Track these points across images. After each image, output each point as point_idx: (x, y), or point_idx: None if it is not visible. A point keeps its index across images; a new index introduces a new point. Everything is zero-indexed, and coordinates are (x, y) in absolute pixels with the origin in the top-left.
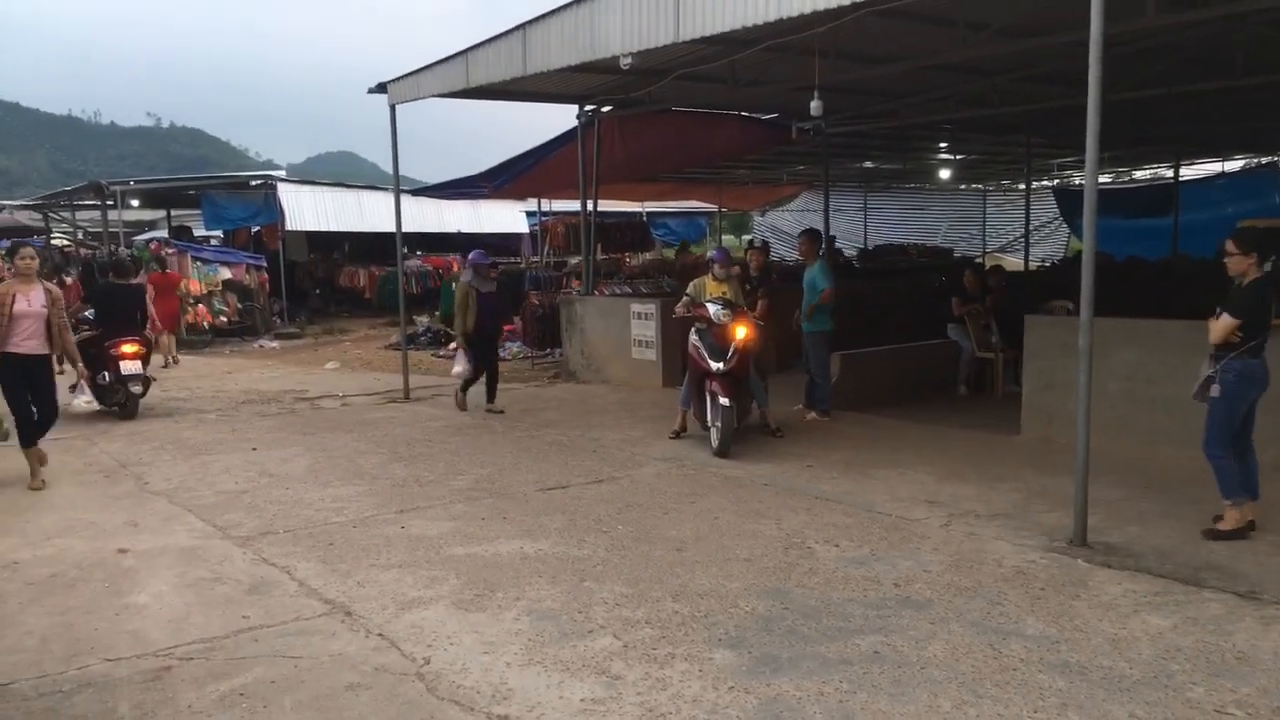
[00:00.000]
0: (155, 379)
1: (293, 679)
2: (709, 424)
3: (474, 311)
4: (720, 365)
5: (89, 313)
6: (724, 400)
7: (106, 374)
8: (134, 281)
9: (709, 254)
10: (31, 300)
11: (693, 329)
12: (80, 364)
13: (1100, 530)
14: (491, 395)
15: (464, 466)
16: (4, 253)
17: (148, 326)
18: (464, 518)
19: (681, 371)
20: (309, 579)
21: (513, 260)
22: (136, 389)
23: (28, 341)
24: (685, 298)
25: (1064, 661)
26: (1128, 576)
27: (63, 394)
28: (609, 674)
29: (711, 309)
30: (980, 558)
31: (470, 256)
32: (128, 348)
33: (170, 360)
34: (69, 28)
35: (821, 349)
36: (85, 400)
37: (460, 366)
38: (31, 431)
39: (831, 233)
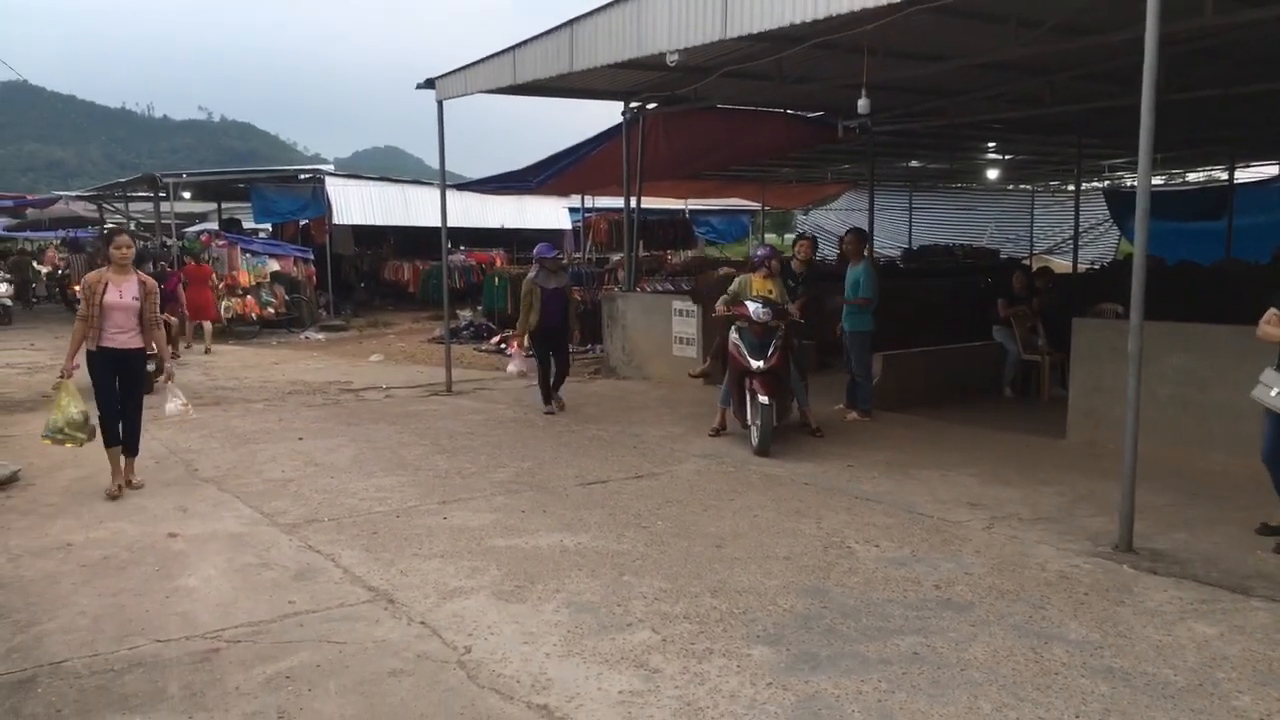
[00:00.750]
0: (179, 362)
1: (337, 664)
2: (749, 422)
3: (537, 309)
4: (760, 363)
5: None
6: (763, 398)
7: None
8: (160, 269)
9: (756, 252)
10: (124, 292)
11: (733, 327)
12: (169, 364)
13: (1146, 536)
14: (558, 385)
15: (505, 459)
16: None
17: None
18: (505, 510)
19: (722, 370)
20: (353, 567)
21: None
22: (149, 366)
23: (119, 335)
24: (727, 295)
25: (1107, 667)
26: (1174, 583)
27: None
28: (647, 667)
29: (752, 307)
30: (1023, 561)
31: (536, 250)
32: None
33: (207, 349)
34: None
35: (863, 349)
36: (180, 404)
37: (515, 366)
38: (116, 429)
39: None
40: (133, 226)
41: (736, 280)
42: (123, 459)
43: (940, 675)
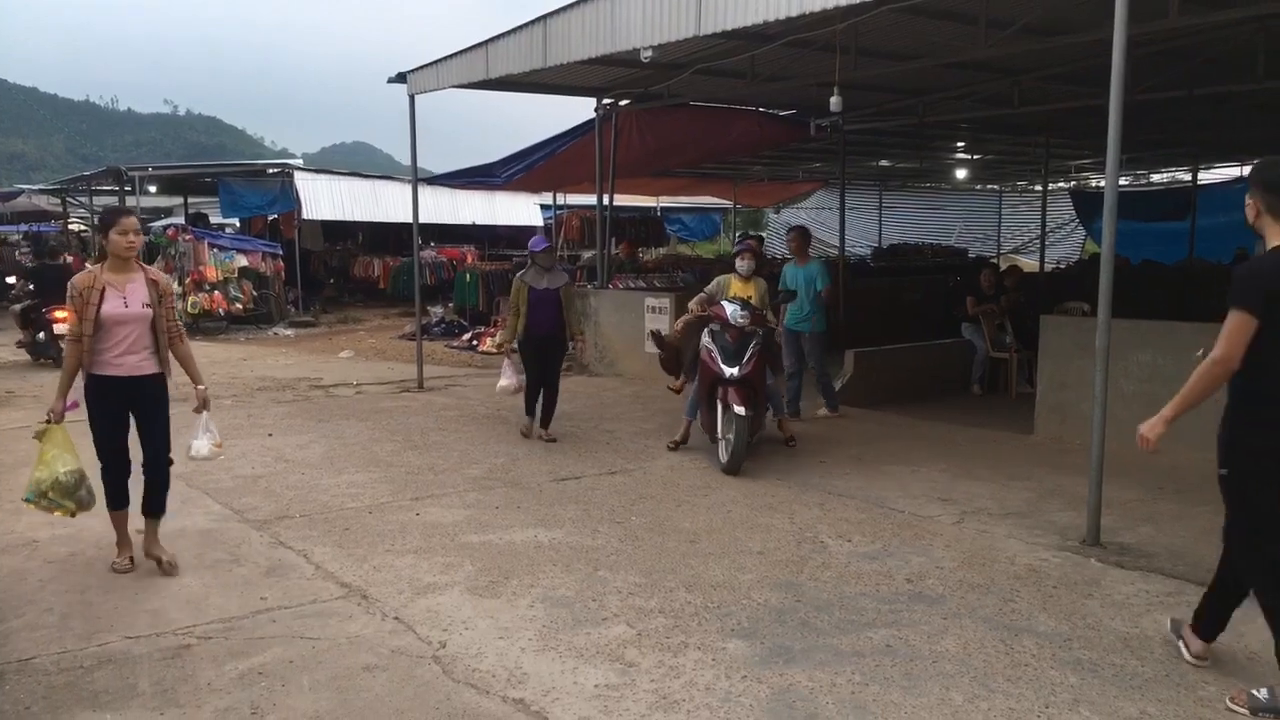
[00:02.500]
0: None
1: (310, 659)
2: (719, 436)
3: (524, 313)
4: (735, 370)
5: (30, 287)
6: (739, 409)
7: (44, 333)
8: (63, 261)
9: (734, 248)
10: (130, 297)
11: (705, 329)
12: (202, 387)
13: (1113, 530)
14: (546, 418)
15: (478, 456)
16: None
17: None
18: (478, 506)
19: (670, 370)
20: (325, 562)
21: (526, 253)
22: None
23: (127, 357)
24: (701, 294)
25: (1076, 658)
26: (1140, 576)
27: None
28: (623, 661)
29: (729, 309)
30: (993, 555)
31: (530, 243)
32: (59, 313)
33: None
34: (88, 13)
35: (823, 349)
36: (212, 443)
37: (507, 379)
38: (125, 487)
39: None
40: (97, 221)
41: (714, 281)
42: (143, 521)
43: (913, 667)
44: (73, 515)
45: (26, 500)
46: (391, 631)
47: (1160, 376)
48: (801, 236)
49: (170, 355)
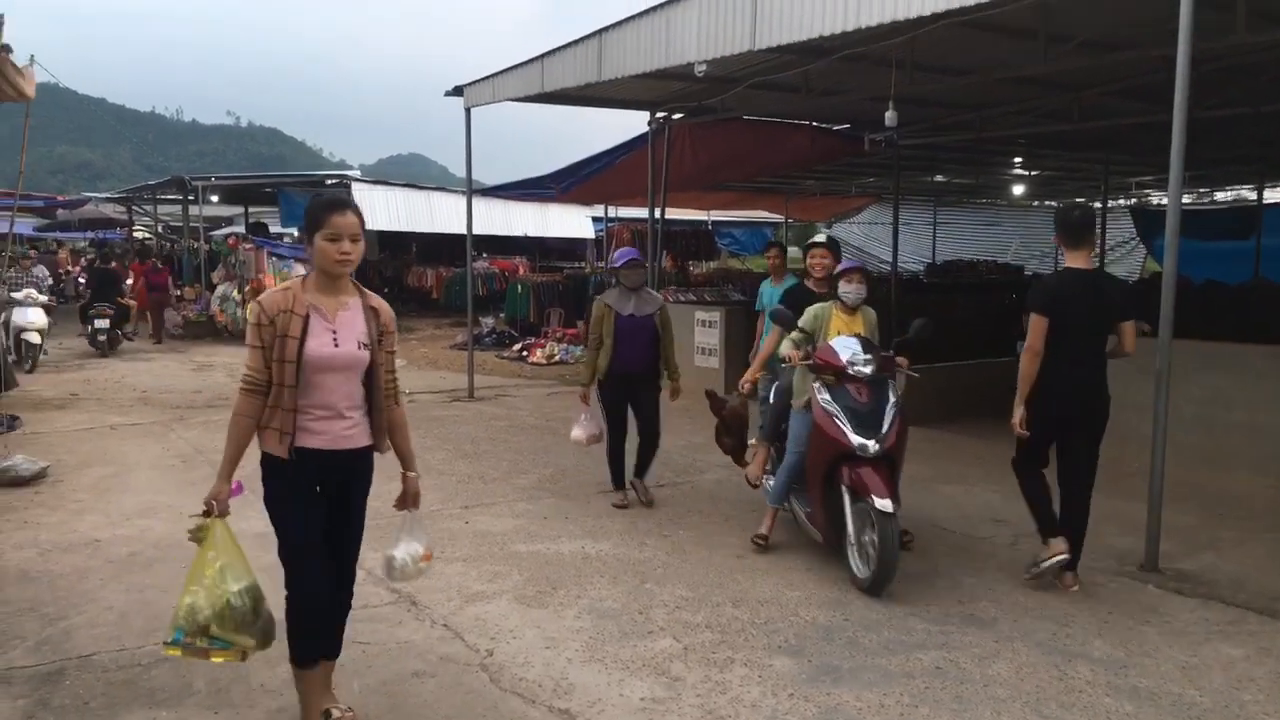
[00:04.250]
0: (129, 338)
1: (361, 663)
2: (848, 539)
3: (609, 348)
4: (873, 442)
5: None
6: (882, 502)
7: (90, 326)
8: (112, 266)
9: (808, 254)
10: (341, 331)
11: (813, 382)
12: (415, 473)
13: (1172, 556)
14: (642, 468)
15: (527, 466)
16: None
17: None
18: (527, 516)
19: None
20: (376, 569)
21: (578, 265)
22: (102, 338)
23: (332, 423)
24: (796, 334)
25: (1132, 686)
26: (1200, 604)
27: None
28: (669, 675)
29: (845, 351)
30: (1047, 579)
31: (614, 257)
32: (103, 310)
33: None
34: (156, 27)
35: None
36: (418, 550)
37: (582, 429)
38: (328, 620)
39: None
40: (160, 229)
41: (807, 312)
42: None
43: (963, 691)
44: (243, 658)
45: (170, 645)
46: (440, 638)
47: (1222, 399)
48: (781, 253)
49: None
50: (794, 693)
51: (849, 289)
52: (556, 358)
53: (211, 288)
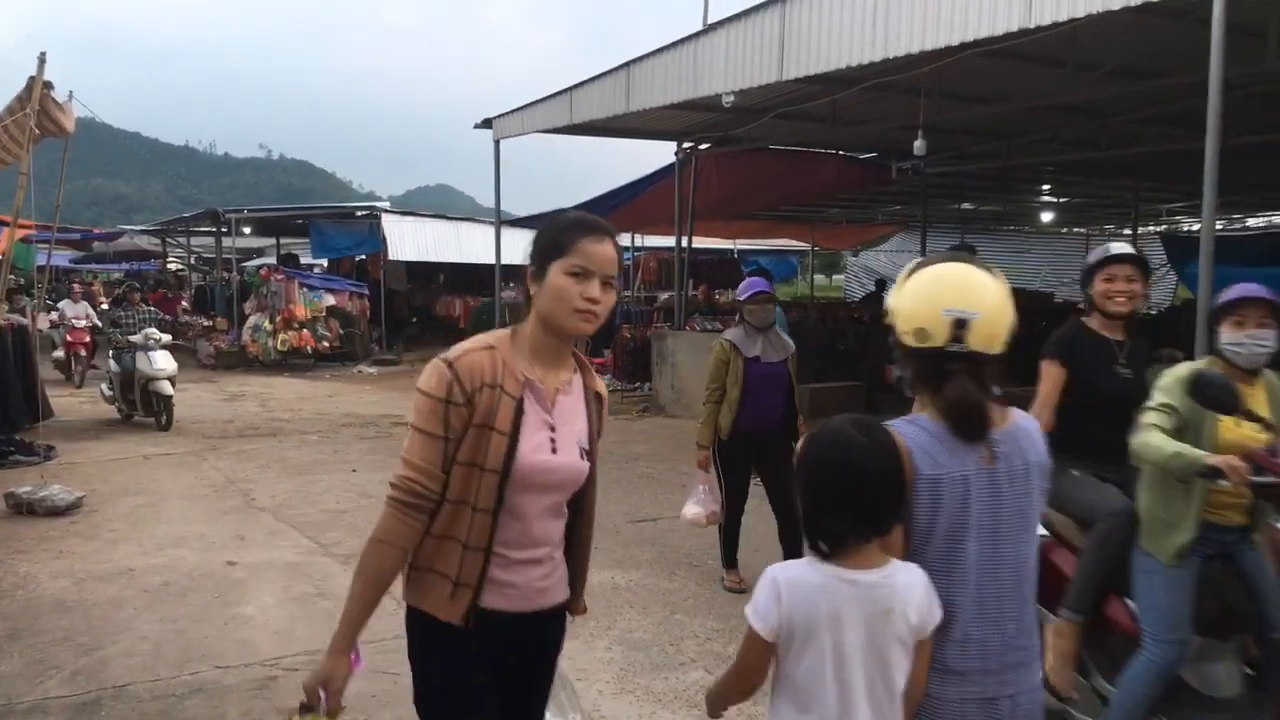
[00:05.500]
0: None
1: (392, 694)
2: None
3: (734, 401)
4: None
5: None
6: None
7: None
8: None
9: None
10: (561, 429)
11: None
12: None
13: None
14: (791, 549)
15: None
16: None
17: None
18: None
19: None
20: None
21: None
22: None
23: (531, 571)
24: (1240, 460)
25: None
26: None
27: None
28: (701, 708)
29: None
30: None
31: (739, 290)
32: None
33: None
34: (190, 62)
35: None
36: None
37: (698, 506)
38: None
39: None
40: (193, 260)
41: (1167, 400)
42: None
43: None
44: None
45: None
46: None
47: None
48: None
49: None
50: None
51: (1240, 339)
52: None
53: (244, 318)
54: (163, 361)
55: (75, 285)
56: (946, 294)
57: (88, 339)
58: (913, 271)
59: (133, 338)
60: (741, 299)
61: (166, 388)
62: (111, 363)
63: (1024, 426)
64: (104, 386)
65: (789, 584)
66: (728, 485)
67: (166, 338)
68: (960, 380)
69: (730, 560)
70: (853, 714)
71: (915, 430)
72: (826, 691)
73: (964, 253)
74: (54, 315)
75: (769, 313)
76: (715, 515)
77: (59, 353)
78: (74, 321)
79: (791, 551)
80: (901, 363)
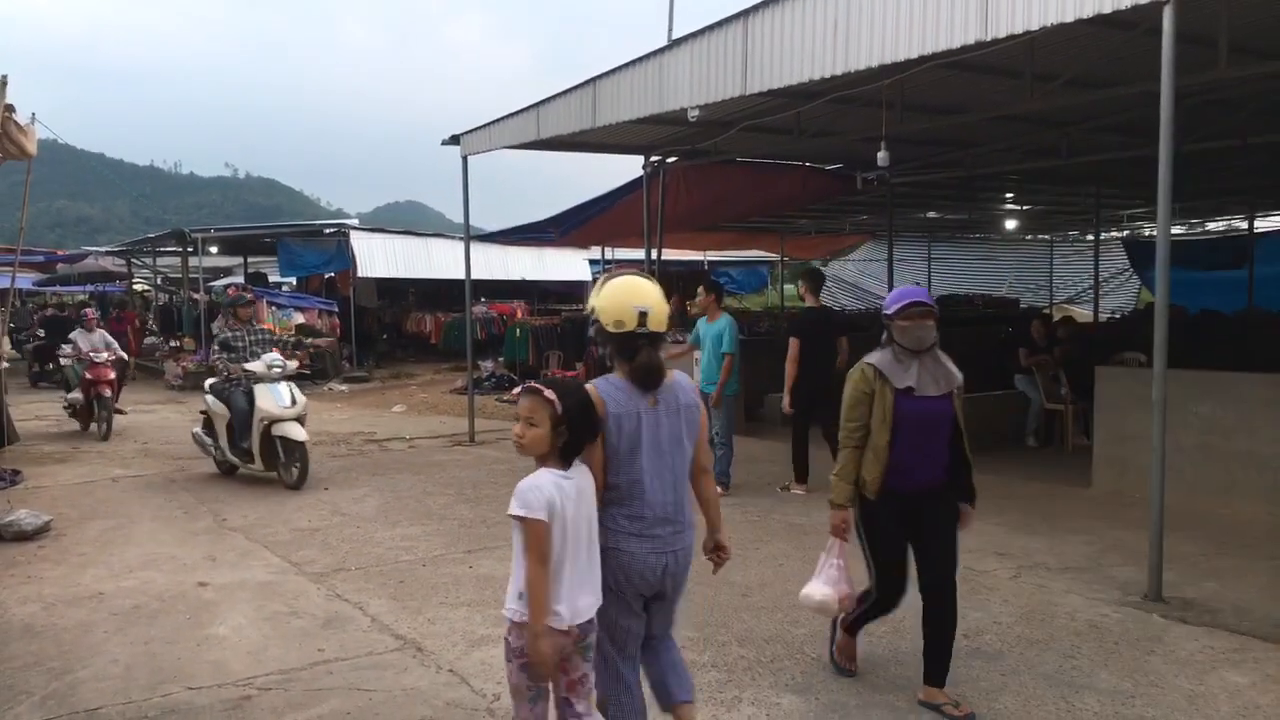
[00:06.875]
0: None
1: (367, 711)
2: None
3: (882, 449)
4: None
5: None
6: None
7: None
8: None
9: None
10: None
11: None
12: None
13: (1175, 585)
14: (942, 658)
15: None
16: (88, 295)
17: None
18: None
19: None
20: (381, 615)
21: (576, 308)
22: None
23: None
24: None
25: (1139, 716)
26: (1205, 633)
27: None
28: None
29: None
30: (1052, 611)
31: (887, 301)
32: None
33: None
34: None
35: (729, 414)
36: None
37: (828, 586)
38: None
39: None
40: (159, 281)
41: None
42: None
43: None
44: None
45: None
46: (446, 684)
47: (1220, 428)
48: (712, 291)
49: None
50: None
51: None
52: None
53: (211, 338)
54: (287, 396)
55: (88, 312)
56: (634, 295)
57: (111, 375)
58: (605, 282)
59: (251, 365)
60: (889, 313)
61: (298, 432)
62: (210, 399)
63: (680, 382)
64: (66, 395)
65: (532, 486)
66: (878, 559)
67: (293, 364)
68: (647, 351)
69: (845, 670)
70: (577, 554)
71: (606, 384)
72: (563, 549)
73: (814, 271)
74: (67, 348)
75: (928, 331)
76: (849, 600)
77: (76, 394)
78: (92, 356)
79: (938, 655)
80: (603, 343)
